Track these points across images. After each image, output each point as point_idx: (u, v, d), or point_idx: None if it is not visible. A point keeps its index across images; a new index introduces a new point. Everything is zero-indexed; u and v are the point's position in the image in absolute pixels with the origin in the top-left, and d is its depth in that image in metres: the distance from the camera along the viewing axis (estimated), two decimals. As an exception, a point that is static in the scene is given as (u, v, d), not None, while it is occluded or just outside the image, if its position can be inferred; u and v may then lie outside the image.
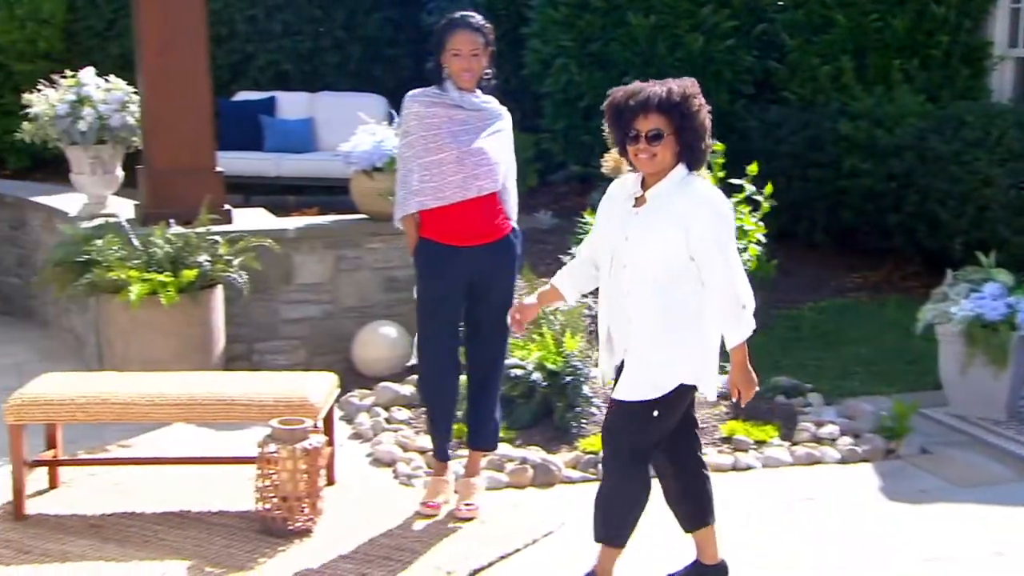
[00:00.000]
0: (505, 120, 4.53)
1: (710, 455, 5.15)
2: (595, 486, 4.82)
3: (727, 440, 5.32)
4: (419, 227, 4.48)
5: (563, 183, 9.71)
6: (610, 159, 6.57)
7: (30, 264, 7.36)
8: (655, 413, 3.57)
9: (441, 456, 4.66)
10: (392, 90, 10.10)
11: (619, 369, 3.70)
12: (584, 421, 5.31)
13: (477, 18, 4.44)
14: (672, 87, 3.48)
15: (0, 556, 4.15)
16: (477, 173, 4.37)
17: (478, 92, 4.47)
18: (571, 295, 3.91)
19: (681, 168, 3.53)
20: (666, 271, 3.52)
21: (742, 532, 4.42)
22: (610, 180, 7.02)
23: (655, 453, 3.75)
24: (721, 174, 6.67)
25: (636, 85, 3.55)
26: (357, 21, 10.96)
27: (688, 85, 3.52)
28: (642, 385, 3.57)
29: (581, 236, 7.52)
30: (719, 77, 8.96)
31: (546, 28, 9.09)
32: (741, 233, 6.61)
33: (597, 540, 3.76)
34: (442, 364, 4.52)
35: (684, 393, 3.61)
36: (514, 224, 4.58)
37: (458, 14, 4.46)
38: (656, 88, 3.48)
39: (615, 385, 3.70)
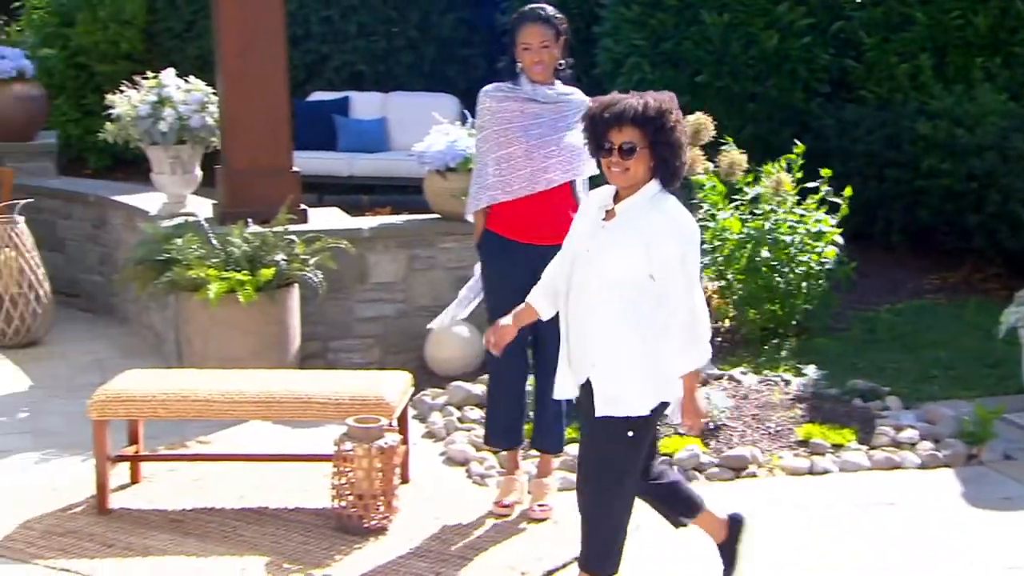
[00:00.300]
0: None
1: (785, 458, 5.11)
2: (669, 488, 4.87)
3: (803, 443, 5.26)
4: (487, 220, 4.52)
5: (635, 182, 9.67)
6: (722, 160, 6.54)
7: (111, 262, 7.50)
8: (630, 434, 3.49)
9: (488, 442, 4.75)
10: (465, 90, 10.13)
11: (585, 388, 3.57)
12: (659, 423, 5.27)
13: (548, 9, 4.42)
14: (649, 101, 3.42)
15: (85, 549, 4.25)
16: (546, 166, 4.38)
17: (558, 84, 4.46)
18: (547, 312, 3.78)
19: (654, 184, 3.47)
20: (632, 286, 3.45)
21: (809, 536, 4.38)
22: (684, 178, 7.06)
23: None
24: (799, 175, 6.61)
25: (613, 96, 3.49)
26: (431, 21, 11.01)
27: (665, 100, 3.46)
28: (621, 400, 3.48)
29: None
30: (794, 75, 8.87)
31: (618, 27, 9.06)
32: (817, 235, 6.55)
33: (585, 571, 3.68)
34: (504, 357, 4.52)
35: (657, 411, 3.55)
36: None
37: (528, 7, 4.46)
38: (633, 100, 3.42)
39: (580, 404, 3.61)
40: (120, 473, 4.83)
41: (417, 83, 10.88)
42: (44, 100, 9.27)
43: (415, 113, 8.17)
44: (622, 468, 3.55)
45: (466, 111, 6.45)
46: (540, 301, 3.76)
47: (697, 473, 5.02)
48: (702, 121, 6.61)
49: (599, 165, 3.53)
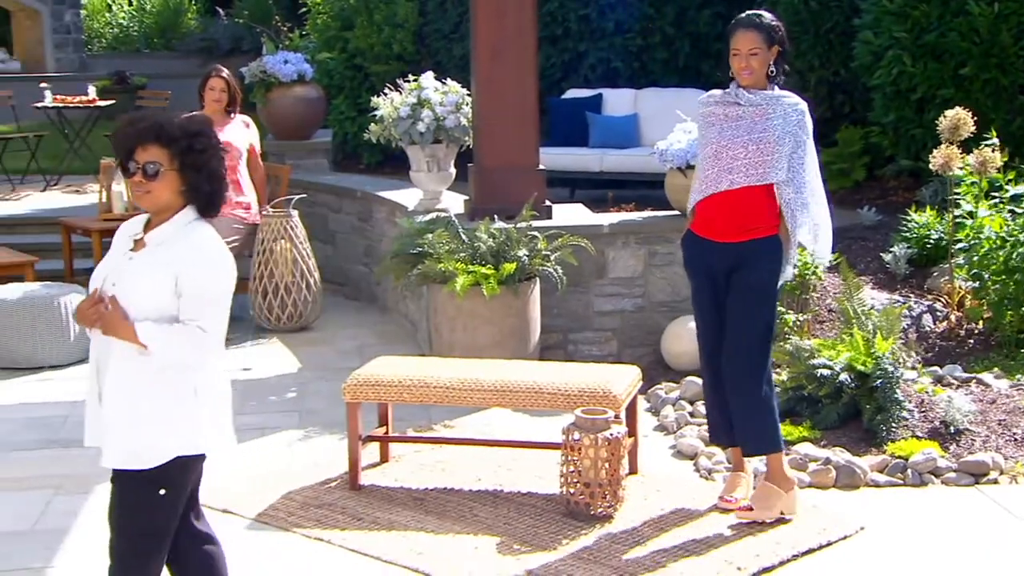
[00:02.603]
0: (792, 115, 4.45)
1: (1032, 468, 4.93)
2: (903, 491, 4.82)
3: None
4: (692, 220, 4.67)
5: (892, 178, 9.39)
6: (939, 155, 6.37)
7: (375, 253, 7.98)
8: (161, 492, 3.19)
9: (710, 439, 4.90)
10: (717, 85, 10.09)
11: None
12: (895, 425, 5.21)
13: (764, 17, 4.47)
14: (173, 119, 3.19)
15: (337, 521, 4.61)
16: (731, 167, 4.45)
17: (775, 88, 4.49)
18: None
19: (189, 212, 3.21)
20: (157, 321, 3.14)
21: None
22: (940, 176, 6.85)
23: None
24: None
25: (142, 113, 3.29)
26: (687, 17, 11.05)
27: (199, 121, 3.23)
28: (138, 452, 3.16)
29: (904, 234, 7.31)
30: (1069, 65, 8.40)
31: (879, 19, 8.82)
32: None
33: None
34: (708, 353, 4.66)
35: (188, 465, 3.23)
36: (794, 232, 4.49)
37: (745, 14, 4.53)
38: (160, 118, 3.19)
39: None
40: (371, 452, 5.20)
41: (671, 79, 10.94)
42: (322, 101, 9.93)
43: (666, 109, 8.23)
44: (142, 530, 3.22)
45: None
46: None
47: (933, 478, 4.92)
48: (961, 117, 6.42)
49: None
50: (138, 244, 3.25)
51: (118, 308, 3.15)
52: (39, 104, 12.32)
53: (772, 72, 4.47)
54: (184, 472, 3.24)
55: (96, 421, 3.26)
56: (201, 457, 3.27)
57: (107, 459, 3.21)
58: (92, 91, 13.05)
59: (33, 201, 10.74)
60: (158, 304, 3.15)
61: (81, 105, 12.36)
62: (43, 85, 12.94)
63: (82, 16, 20.14)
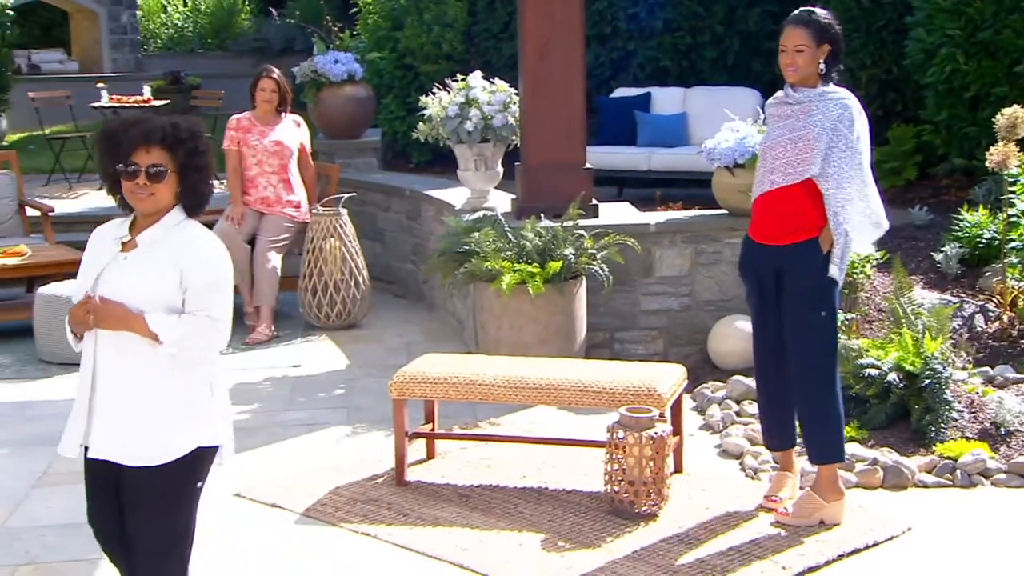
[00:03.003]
0: (832, 109, 4.35)
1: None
2: (951, 492, 4.78)
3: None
4: None
5: (944, 176, 9.28)
6: (996, 152, 6.29)
7: (422, 252, 8.03)
8: (199, 485, 3.25)
9: (766, 445, 4.81)
10: (769, 83, 10.06)
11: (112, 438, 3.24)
12: (943, 426, 5.16)
13: (816, 13, 4.42)
14: (179, 122, 3.21)
15: (383, 516, 4.65)
16: (772, 167, 4.44)
17: (829, 85, 4.45)
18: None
19: (178, 212, 3.25)
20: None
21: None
22: (995, 174, 6.77)
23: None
24: None
25: (136, 115, 3.30)
26: (737, 15, 11.00)
27: (195, 122, 3.26)
28: (155, 448, 3.19)
29: (956, 233, 7.23)
30: None
31: (932, 17, 8.73)
32: None
33: None
34: (757, 356, 4.66)
35: (211, 457, 3.29)
36: (837, 231, 4.35)
37: (798, 10, 4.47)
38: (161, 120, 3.20)
39: (89, 453, 3.27)
40: (418, 449, 5.24)
41: (720, 77, 10.90)
42: (372, 100, 10.01)
43: (715, 107, 8.21)
44: (187, 526, 3.27)
45: (761, 106, 6.47)
46: None
47: (983, 479, 4.88)
48: (1019, 115, 6.33)
49: (117, 191, 3.25)
50: (128, 245, 3.27)
51: (110, 303, 3.17)
52: (96, 104, 12.51)
53: (822, 70, 4.41)
54: (208, 463, 3.29)
55: (85, 425, 3.28)
56: (216, 450, 3.31)
57: (128, 458, 3.20)
58: (147, 91, 13.24)
59: (89, 199, 10.91)
60: (162, 297, 3.18)
61: (136, 105, 12.53)
62: (100, 85, 13.16)
63: (138, 17, 20.43)
